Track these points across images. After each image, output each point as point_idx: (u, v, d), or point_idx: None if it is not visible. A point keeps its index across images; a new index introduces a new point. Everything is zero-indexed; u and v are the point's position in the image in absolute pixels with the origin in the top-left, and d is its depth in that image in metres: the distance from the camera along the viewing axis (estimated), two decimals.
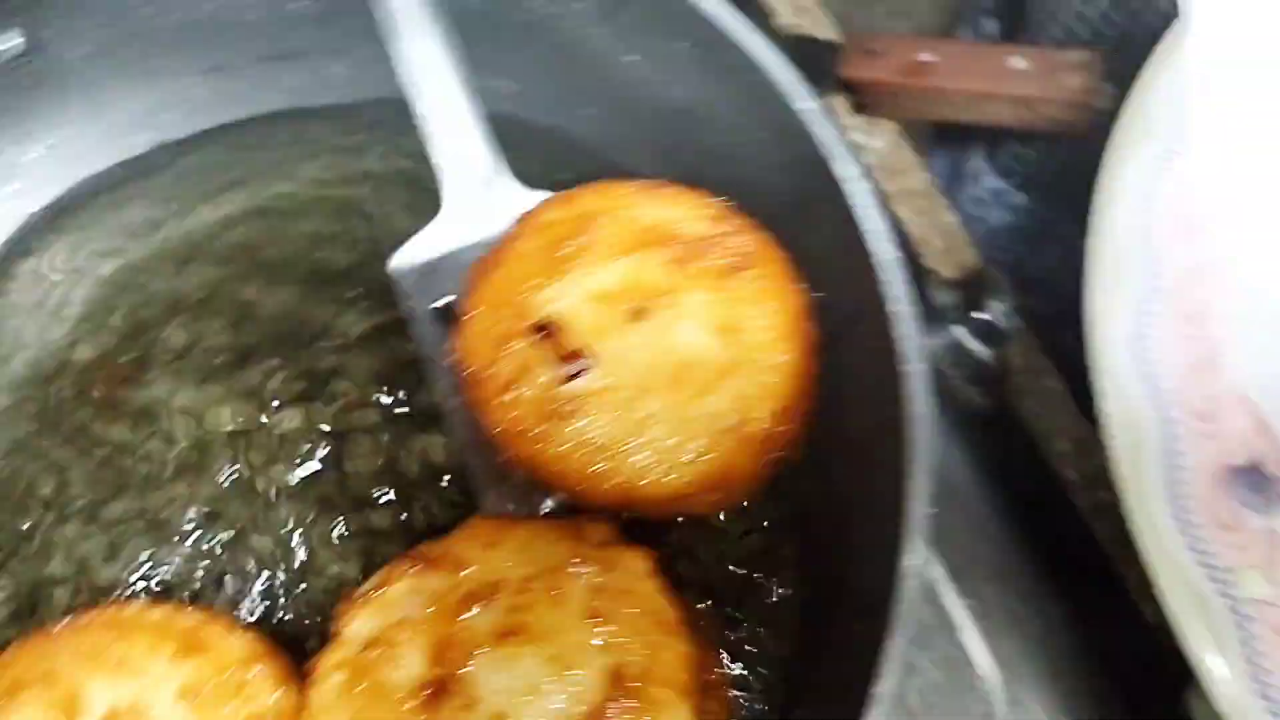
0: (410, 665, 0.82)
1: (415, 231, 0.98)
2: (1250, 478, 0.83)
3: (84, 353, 1.08)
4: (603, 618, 0.80)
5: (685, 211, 0.87)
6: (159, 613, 0.92)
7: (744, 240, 0.86)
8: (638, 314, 0.83)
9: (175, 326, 1.08)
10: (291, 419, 1.03)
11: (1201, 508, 0.80)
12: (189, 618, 0.91)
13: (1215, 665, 0.79)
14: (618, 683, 0.78)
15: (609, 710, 0.77)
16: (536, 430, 0.83)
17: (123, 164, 1.16)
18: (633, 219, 0.86)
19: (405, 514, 1.00)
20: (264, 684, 0.87)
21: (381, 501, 1.00)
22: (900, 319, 0.79)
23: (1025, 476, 1.12)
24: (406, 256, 0.97)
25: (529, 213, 0.90)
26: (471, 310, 0.88)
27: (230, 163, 1.15)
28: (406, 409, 1.03)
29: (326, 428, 1.02)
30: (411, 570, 0.87)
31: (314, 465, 1.02)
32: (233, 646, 0.89)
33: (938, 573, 1.06)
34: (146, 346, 1.07)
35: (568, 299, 0.84)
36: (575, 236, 0.86)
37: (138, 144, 1.16)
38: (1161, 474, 0.81)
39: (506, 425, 0.84)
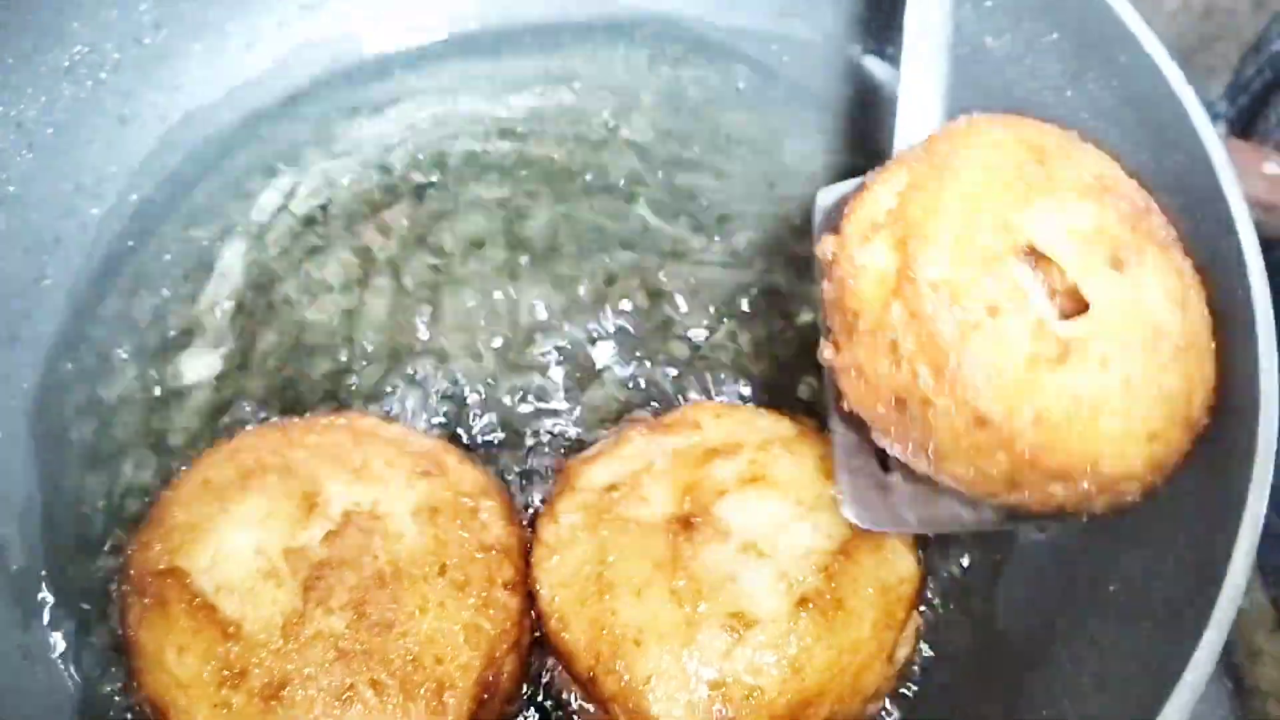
0: (657, 503, 0.84)
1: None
2: None
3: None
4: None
5: (1118, 170, 0.78)
6: (396, 429, 0.90)
7: (1163, 219, 0.77)
8: (1114, 261, 0.72)
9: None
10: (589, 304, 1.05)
11: None
12: (425, 440, 0.90)
13: None
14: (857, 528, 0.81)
15: (853, 546, 0.81)
16: (1013, 373, 0.69)
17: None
18: (1081, 161, 0.76)
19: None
20: (492, 516, 0.86)
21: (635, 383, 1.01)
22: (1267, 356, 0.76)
23: None
24: (834, 193, 0.89)
25: (969, 123, 0.79)
26: (925, 216, 0.73)
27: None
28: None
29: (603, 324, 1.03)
30: (644, 431, 0.89)
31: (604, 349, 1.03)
32: (467, 475, 0.88)
33: None
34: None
35: (1049, 229, 0.72)
36: (1033, 163, 0.75)
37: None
38: None
39: (996, 361, 0.69)
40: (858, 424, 0.80)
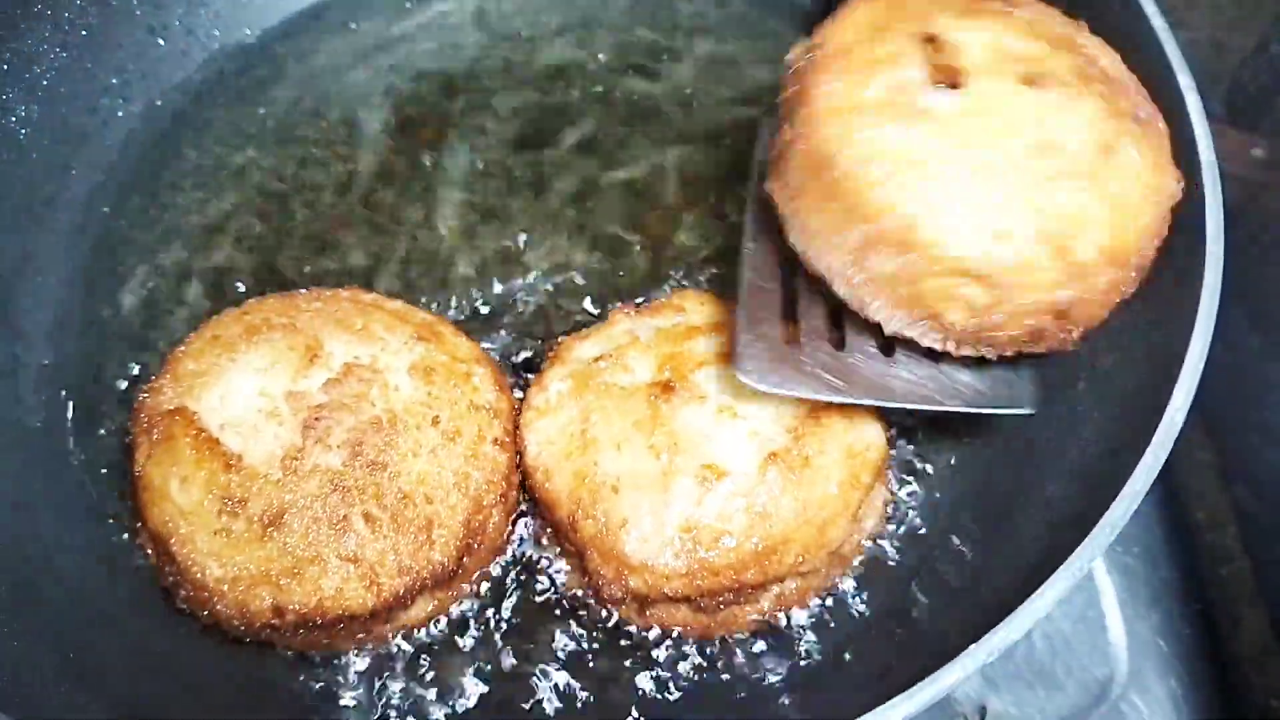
0: (640, 372, 0.89)
1: None
2: None
3: None
4: None
5: (1109, 55, 0.83)
6: (396, 303, 0.95)
7: (1153, 109, 0.80)
8: (1030, 79, 0.76)
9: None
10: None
11: None
12: (423, 313, 0.95)
13: None
14: None
15: (823, 412, 0.85)
16: (871, 120, 0.75)
17: None
18: (1061, 26, 0.82)
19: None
20: (484, 381, 0.90)
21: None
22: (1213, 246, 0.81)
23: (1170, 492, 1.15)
24: None
25: None
26: (855, 6, 0.82)
27: None
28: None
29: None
30: (631, 313, 0.95)
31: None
32: (462, 344, 0.93)
33: None
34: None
35: (970, 33, 0.78)
36: (1002, 2, 0.81)
37: None
38: None
39: (841, 103, 0.76)
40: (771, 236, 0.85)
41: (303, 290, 0.96)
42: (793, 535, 0.82)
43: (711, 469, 0.82)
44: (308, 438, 0.84)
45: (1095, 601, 1.06)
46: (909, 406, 0.84)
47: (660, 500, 0.82)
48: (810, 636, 0.88)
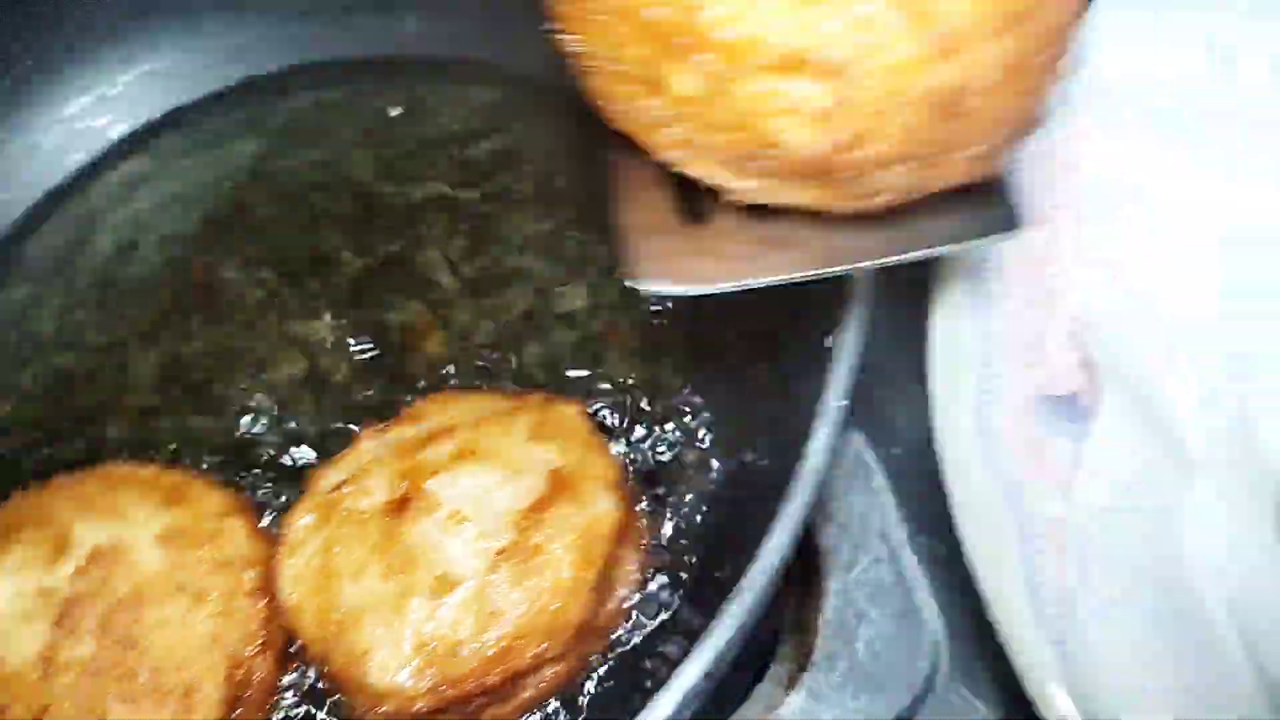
0: (378, 492, 0.91)
1: None
2: (1067, 406, 0.84)
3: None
4: (542, 439, 0.92)
5: None
6: (149, 470, 0.98)
7: None
8: None
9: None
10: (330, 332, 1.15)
11: (1009, 427, 0.82)
12: (175, 475, 0.98)
13: (994, 581, 0.80)
14: (556, 480, 0.90)
15: (548, 500, 0.88)
16: None
17: (213, 95, 1.31)
18: None
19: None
20: (234, 533, 0.93)
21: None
22: None
23: None
24: None
25: None
26: None
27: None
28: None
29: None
30: (376, 429, 0.98)
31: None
32: (211, 501, 0.95)
33: (901, 533, 1.09)
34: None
35: None
36: None
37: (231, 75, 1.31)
38: (974, 393, 0.84)
39: None
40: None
41: (59, 478, 0.99)
42: (528, 628, 0.84)
43: (443, 580, 0.85)
44: (59, 632, 0.86)
45: (909, 597, 1.07)
46: (870, 265, 0.67)
47: (397, 623, 0.84)
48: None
